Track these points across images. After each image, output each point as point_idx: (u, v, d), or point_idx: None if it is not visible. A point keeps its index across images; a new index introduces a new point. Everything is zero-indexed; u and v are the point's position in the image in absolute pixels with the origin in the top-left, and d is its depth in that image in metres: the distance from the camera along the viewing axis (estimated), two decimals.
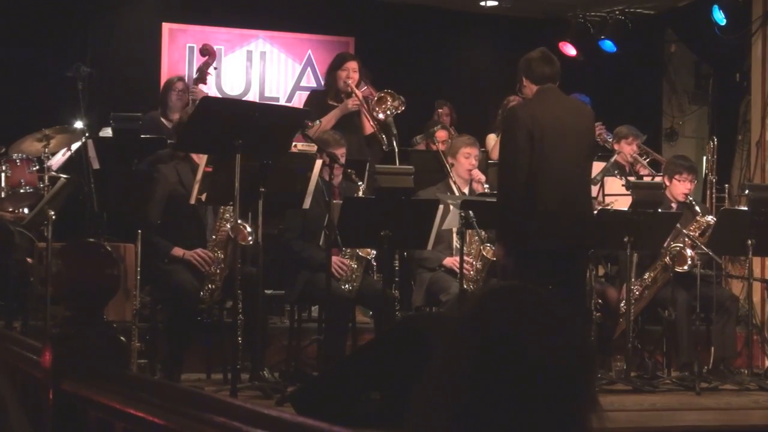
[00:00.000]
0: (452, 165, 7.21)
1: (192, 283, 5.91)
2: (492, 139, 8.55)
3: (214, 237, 6.06)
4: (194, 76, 7.95)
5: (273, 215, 6.32)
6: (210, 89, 9.61)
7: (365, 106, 7.45)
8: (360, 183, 6.54)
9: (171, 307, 6.03)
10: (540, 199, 5.46)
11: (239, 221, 5.74)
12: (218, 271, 6.02)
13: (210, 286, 6.01)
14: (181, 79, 8.11)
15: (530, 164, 5.46)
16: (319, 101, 7.54)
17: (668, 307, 7.07)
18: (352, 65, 7.54)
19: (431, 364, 1.37)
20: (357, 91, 7.44)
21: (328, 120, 7.26)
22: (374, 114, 7.48)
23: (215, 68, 8.28)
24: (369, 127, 7.49)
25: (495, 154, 8.37)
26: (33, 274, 6.57)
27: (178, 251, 6.01)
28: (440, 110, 9.15)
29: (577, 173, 5.61)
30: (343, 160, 6.39)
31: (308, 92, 9.34)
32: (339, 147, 6.41)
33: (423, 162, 7.53)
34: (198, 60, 8.30)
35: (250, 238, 5.80)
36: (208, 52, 7.97)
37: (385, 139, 7.50)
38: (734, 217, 7.07)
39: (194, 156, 6.19)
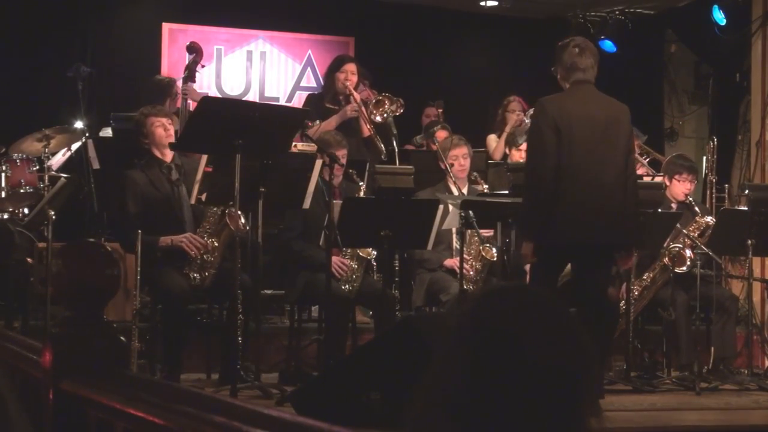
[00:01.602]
0: (452, 165, 7.21)
1: (180, 286, 5.90)
2: (493, 140, 8.54)
3: (204, 224, 6.06)
4: (183, 74, 7.94)
5: (273, 215, 6.32)
6: (210, 89, 9.64)
7: (363, 109, 7.45)
8: (361, 183, 6.54)
9: (163, 309, 6.04)
10: (566, 192, 5.32)
11: (234, 209, 5.75)
12: (212, 259, 6.01)
13: (204, 273, 6.01)
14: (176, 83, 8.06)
15: (558, 158, 5.32)
16: (316, 104, 7.52)
17: (668, 307, 7.06)
18: (351, 67, 7.53)
19: (431, 364, 1.38)
20: (355, 94, 7.44)
21: (327, 126, 7.23)
22: (372, 117, 7.48)
23: (203, 66, 8.26)
24: (366, 130, 7.48)
25: (497, 155, 8.37)
26: (33, 274, 6.57)
27: (165, 240, 6.00)
28: (440, 110, 9.16)
29: (608, 170, 5.42)
30: (344, 161, 6.39)
31: (308, 92, 9.34)
32: (340, 148, 6.41)
33: (423, 162, 7.52)
34: (182, 60, 8.28)
35: (243, 226, 5.80)
36: (195, 50, 7.95)
37: (383, 147, 7.49)
38: (734, 217, 7.07)
39: (157, 153, 6.18)
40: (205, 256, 6.00)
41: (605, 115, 5.51)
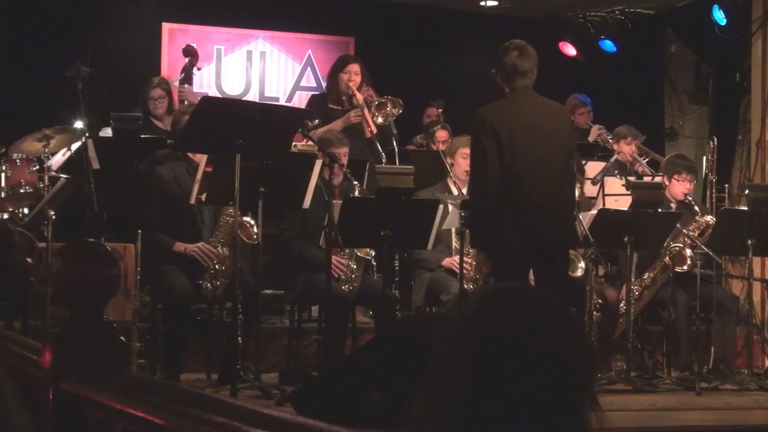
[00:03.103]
0: (452, 165, 7.21)
1: (183, 286, 5.89)
2: None
3: (217, 233, 6.05)
4: (179, 77, 7.92)
5: (273, 215, 6.32)
6: (210, 89, 9.64)
7: (366, 110, 7.45)
8: (356, 183, 6.52)
9: (165, 308, 6.04)
10: (510, 201, 5.37)
11: (245, 219, 5.74)
12: (224, 268, 6.00)
13: (215, 282, 6.00)
14: (159, 84, 7.99)
15: (500, 167, 5.36)
16: (319, 105, 7.52)
17: (668, 307, 7.06)
18: (354, 68, 7.52)
19: (431, 364, 1.38)
20: (358, 94, 7.44)
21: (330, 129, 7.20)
22: (374, 119, 7.49)
23: (198, 68, 8.25)
24: (368, 132, 7.49)
25: None
26: (33, 274, 6.56)
27: (179, 246, 6.01)
28: (440, 110, 9.15)
29: (551, 175, 5.46)
30: (345, 160, 6.40)
31: (308, 92, 9.35)
32: (341, 146, 6.42)
33: (423, 162, 7.52)
34: (182, 60, 8.26)
35: (255, 236, 5.78)
36: (190, 53, 7.95)
37: (380, 149, 7.50)
38: (734, 217, 7.07)
39: (191, 155, 6.20)
40: (217, 266, 6.00)
41: (545, 119, 5.53)
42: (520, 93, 5.51)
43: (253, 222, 5.77)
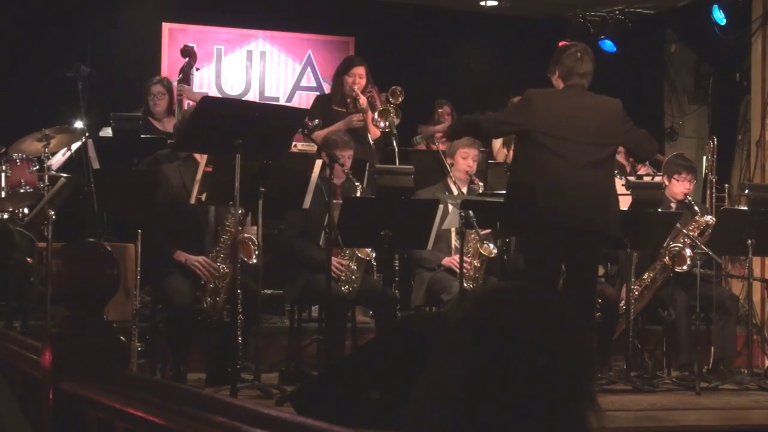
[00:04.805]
0: (452, 165, 7.22)
1: (184, 296, 5.85)
2: (498, 142, 8.54)
3: (218, 248, 5.99)
4: (178, 77, 7.93)
5: (273, 215, 6.31)
6: (210, 89, 9.64)
7: (369, 115, 7.46)
8: (358, 184, 6.52)
9: (166, 314, 6.02)
10: (548, 181, 5.56)
11: (247, 235, 5.70)
12: (223, 285, 5.93)
13: (216, 298, 5.95)
14: (160, 81, 8.02)
15: (537, 152, 5.60)
16: (323, 106, 7.52)
17: (668, 307, 7.06)
18: (359, 71, 7.54)
19: (431, 364, 1.38)
20: (362, 98, 7.45)
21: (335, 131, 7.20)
22: (376, 124, 7.51)
23: (197, 69, 8.26)
24: (374, 133, 7.51)
25: (500, 156, 8.38)
26: (33, 274, 6.57)
27: (180, 256, 5.96)
28: (440, 110, 9.17)
29: (593, 162, 5.65)
30: (349, 162, 6.41)
31: (308, 92, 9.36)
32: (346, 149, 6.43)
33: (423, 162, 7.53)
34: (181, 61, 8.28)
35: (254, 255, 5.74)
36: (188, 54, 7.95)
37: (373, 151, 7.52)
38: (734, 217, 7.07)
39: (197, 156, 6.18)
40: (216, 281, 5.96)
41: (594, 114, 5.74)
42: (574, 88, 5.77)
43: (255, 240, 5.71)
